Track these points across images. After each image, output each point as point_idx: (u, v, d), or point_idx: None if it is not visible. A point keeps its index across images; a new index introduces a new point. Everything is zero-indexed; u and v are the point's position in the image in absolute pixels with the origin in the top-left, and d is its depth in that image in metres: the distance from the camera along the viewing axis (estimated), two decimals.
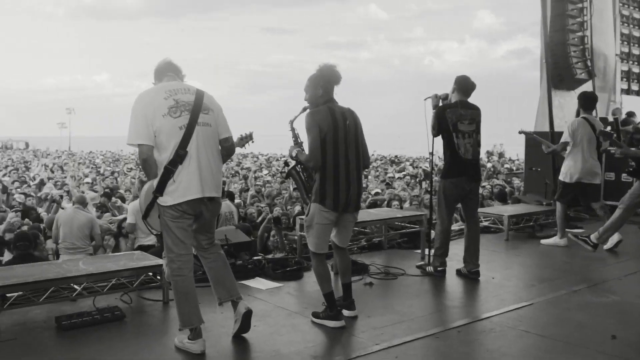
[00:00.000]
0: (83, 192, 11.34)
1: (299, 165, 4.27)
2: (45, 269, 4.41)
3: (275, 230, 7.18)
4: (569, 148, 6.77)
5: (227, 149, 3.82)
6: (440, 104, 5.45)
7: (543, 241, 7.11)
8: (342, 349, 3.76)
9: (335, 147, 3.97)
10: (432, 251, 5.63)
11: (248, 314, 3.82)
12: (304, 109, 4.16)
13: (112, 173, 19.84)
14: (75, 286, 4.33)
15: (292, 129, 4.27)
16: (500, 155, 32.41)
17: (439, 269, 5.50)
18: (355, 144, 4.09)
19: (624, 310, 4.58)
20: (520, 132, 7.55)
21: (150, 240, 6.95)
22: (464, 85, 5.41)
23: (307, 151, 4.10)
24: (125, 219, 8.14)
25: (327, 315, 4.14)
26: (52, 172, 20.53)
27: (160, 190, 3.49)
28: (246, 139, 4.59)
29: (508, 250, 6.85)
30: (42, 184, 14.92)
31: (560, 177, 6.93)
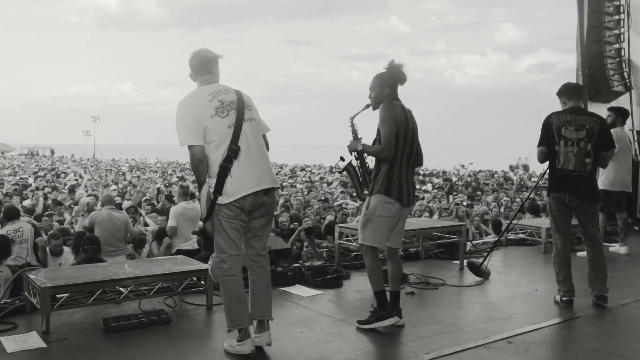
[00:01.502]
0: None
1: (355, 160, 4.33)
2: (92, 271, 4.44)
3: (307, 240, 7.18)
4: None
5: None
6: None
7: (580, 254, 7.00)
8: (393, 358, 3.73)
9: (404, 141, 4.08)
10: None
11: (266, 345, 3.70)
12: (367, 107, 4.25)
13: (139, 179, 20.02)
14: (122, 289, 4.36)
15: (352, 125, 4.31)
16: (525, 168, 32.07)
17: (564, 299, 4.81)
18: (413, 143, 4.19)
19: None
20: None
21: (189, 245, 6.99)
22: (568, 90, 4.96)
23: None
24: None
25: (377, 316, 4.12)
26: (81, 177, 20.78)
27: (219, 189, 3.48)
28: None
29: (547, 262, 6.69)
30: (72, 190, 15.09)
31: (602, 187, 6.92)
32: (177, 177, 22.34)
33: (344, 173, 4.64)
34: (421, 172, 26.23)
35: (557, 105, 5.05)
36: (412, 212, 11.18)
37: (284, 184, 18.74)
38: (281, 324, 4.23)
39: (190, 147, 3.52)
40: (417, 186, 18.21)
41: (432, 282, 5.53)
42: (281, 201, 13.00)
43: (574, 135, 4.78)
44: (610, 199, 6.99)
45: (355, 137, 4.32)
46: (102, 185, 15.69)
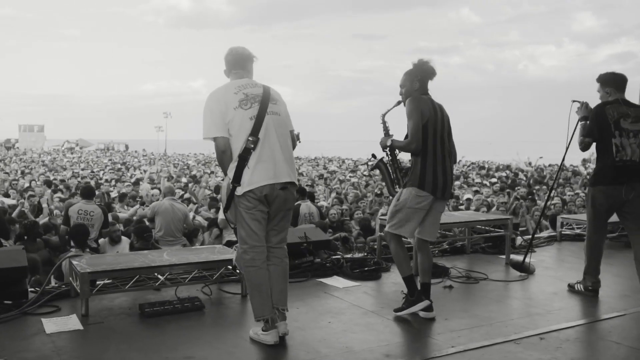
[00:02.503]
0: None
1: (387, 157, 4.32)
2: (131, 258, 4.62)
3: (342, 248, 7.22)
4: None
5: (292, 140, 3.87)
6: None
7: None
8: (416, 350, 3.68)
9: (434, 135, 4.07)
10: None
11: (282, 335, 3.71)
12: (398, 103, 4.26)
13: (203, 174, 20.57)
14: (159, 276, 4.51)
15: (384, 122, 4.32)
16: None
17: (589, 288, 4.87)
18: (447, 136, 4.18)
19: None
20: None
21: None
22: (617, 81, 4.77)
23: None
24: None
25: (409, 302, 4.13)
26: (145, 171, 21.52)
27: (237, 179, 3.53)
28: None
29: (602, 259, 6.44)
30: (137, 183, 15.67)
31: None
32: None
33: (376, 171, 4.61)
34: (486, 166, 25.64)
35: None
36: (469, 206, 10.99)
37: (346, 177, 18.78)
38: (311, 314, 4.27)
39: (214, 139, 3.59)
40: (478, 180, 17.83)
41: (474, 277, 5.41)
42: (334, 195, 13.09)
43: (633, 127, 4.64)
44: None
45: (387, 134, 4.32)
46: (164, 177, 16.22)
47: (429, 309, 4.19)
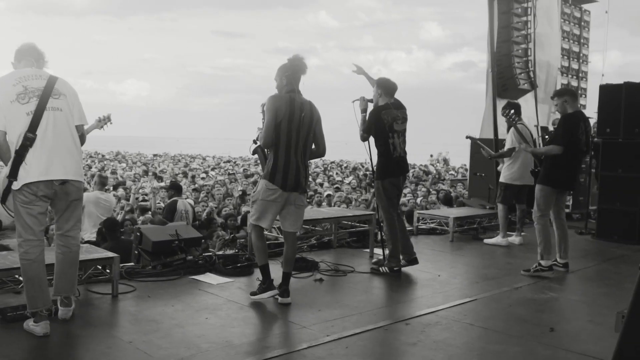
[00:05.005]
0: None
1: None
2: None
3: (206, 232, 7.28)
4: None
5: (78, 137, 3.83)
6: (368, 106, 5.61)
7: (486, 240, 7.40)
8: (294, 340, 3.82)
9: (288, 133, 4.32)
10: (387, 252, 5.72)
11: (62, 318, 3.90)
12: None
13: None
14: (20, 278, 4.23)
15: (263, 112, 4.51)
16: (445, 162, 33.11)
17: (395, 269, 5.58)
18: (306, 134, 4.43)
19: (561, 306, 4.86)
20: (467, 137, 7.81)
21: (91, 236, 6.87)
22: (389, 87, 5.57)
23: None
24: None
25: (261, 289, 4.48)
26: None
27: (13, 174, 3.53)
28: (104, 120, 4.82)
29: (453, 250, 7.06)
30: None
31: (503, 180, 7.28)
32: (96, 167, 21.74)
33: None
34: (344, 165, 26.61)
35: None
36: (332, 203, 11.41)
37: (210, 174, 18.55)
38: (187, 311, 4.26)
39: None
40: (339, 178, 18.50)
41: (342, 270, 5.68)
42: (203, 194, 12.95)
43: (401, 127, 5.53)
44: (511, 192, 7.31)
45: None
46: None
47: (284, 294, 4.47)
